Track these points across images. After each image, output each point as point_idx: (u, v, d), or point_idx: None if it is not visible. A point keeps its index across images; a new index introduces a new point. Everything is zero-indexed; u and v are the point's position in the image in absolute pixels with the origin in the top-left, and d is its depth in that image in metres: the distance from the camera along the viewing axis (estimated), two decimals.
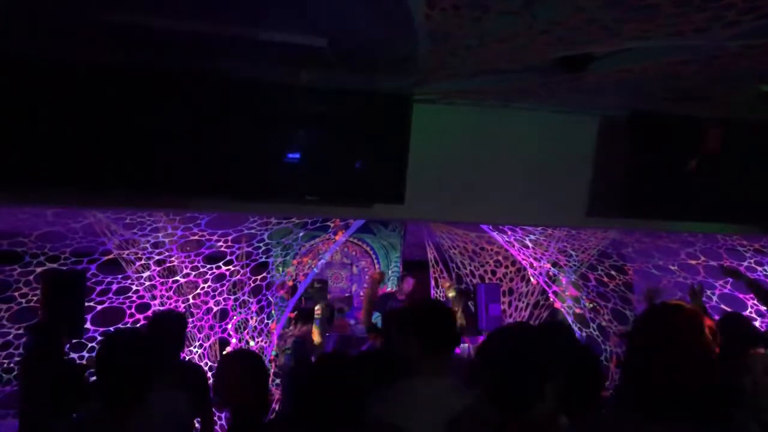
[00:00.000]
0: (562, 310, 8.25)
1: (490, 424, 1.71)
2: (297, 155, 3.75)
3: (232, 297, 6.82)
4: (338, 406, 2.35)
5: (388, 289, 10.01)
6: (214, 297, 6.76)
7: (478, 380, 1.78)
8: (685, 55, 3.16)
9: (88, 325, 6.38)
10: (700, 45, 2.98)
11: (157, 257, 6.62)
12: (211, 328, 6.76)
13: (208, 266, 6.79)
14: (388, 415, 2.47)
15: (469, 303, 8.44)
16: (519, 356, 1.69)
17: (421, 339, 2.71)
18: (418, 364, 2.70)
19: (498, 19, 2.68)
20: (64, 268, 6.47)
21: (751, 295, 7.37)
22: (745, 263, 7.39)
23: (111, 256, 6.59)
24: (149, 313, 6.84)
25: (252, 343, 6.85)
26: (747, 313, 7.55)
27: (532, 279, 8.40)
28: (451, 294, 7.24)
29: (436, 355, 2.73)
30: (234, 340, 6.77)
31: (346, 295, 9.88)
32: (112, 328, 6.65)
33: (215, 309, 6.77)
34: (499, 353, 1.74)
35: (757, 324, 7.52)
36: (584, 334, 7.71)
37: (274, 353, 7.11)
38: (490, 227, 7.74)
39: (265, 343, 6.95)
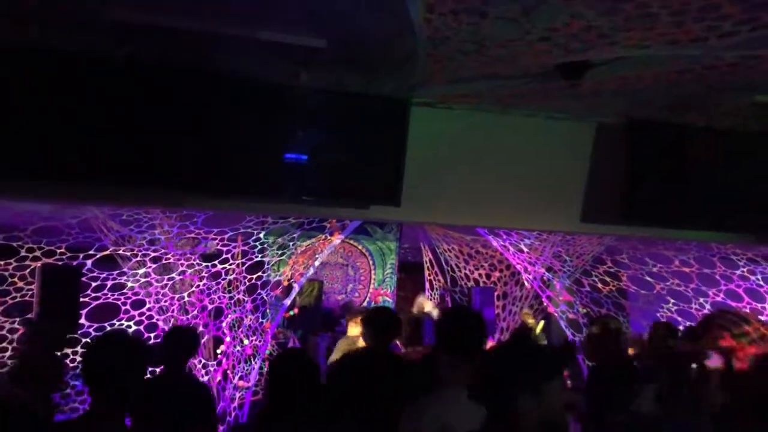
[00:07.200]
0: (556, 314, 8.27)
1: None
2: (295, 155, 3.77)
3: (227, 295, 6.82)
4: None
5: (382, 291, 10.05)
6: (209, 295, 6.76)
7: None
8: (682, 65, 3.19)
9: (82, 321, 6.39)
10: (697, 55, 3.01)
11: (153, 254, 6.62)
12: (206, 326, 6.76)
13: (204, 264, 6.79)
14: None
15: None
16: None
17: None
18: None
19: (497, 24, 2.70)
20: (60, 263, 6.47)
21: (745, 302, 7.42)
22: (738, 271, 7.42)
23: (107, 252, 6.59)
24: (144, 309, 6.85)
25: (246, 342, 6.86)
26: None
27: (526, 283, 8.41)
28: (427, 309, 7.29)
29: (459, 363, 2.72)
30: (228, 338, 6.77)
31: (341, 296, 9.91)
32: (106, 324, 6.66)
33: (210, 307, 6.77)
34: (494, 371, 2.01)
35: None
36: (577, 339, 7.73)
37: (268, 352, 7.11)
38: (486, 231, 7.75)
39: (260, 341, 6.95)
